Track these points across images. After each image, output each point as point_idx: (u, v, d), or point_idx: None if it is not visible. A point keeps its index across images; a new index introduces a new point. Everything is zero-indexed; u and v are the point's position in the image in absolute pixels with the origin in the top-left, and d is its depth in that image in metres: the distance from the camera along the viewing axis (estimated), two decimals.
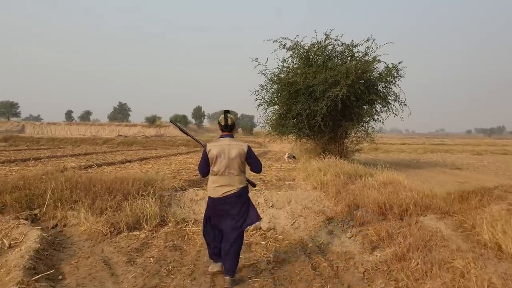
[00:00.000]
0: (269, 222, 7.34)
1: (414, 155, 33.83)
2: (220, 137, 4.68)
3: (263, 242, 6.63)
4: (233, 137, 4.70)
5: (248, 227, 5.40)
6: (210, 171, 4.66)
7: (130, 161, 19.45)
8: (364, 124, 15.63)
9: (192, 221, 7.39)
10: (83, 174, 9.11)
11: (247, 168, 4.95)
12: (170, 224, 7.17)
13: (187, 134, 5.77)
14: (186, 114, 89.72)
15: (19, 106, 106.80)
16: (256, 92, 16.12)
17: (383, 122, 15.45)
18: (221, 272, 4.71)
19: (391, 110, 15.14)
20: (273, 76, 15.34)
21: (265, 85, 15.80)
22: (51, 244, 6.05)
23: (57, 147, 34.64)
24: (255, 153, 4.86)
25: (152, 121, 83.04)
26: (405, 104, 15.09)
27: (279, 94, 15.26)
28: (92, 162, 17.79)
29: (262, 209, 8.02)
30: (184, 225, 7.25)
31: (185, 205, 8.38)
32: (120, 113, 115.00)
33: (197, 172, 8.06)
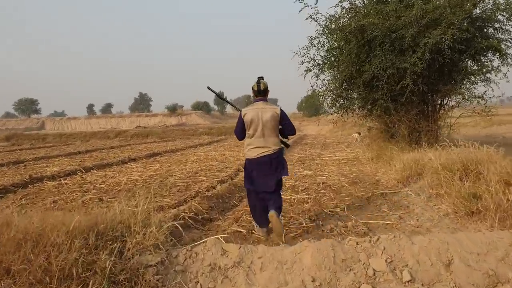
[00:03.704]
0: None
1: (480, 129, 28.00)
2: (254, 102, 4.79)
3: None
4: (266, 101, 4.80)
5: None
6: (246, 134, 4.78)
7: (134, 160, 14.72)
8: (471, 88, 10.21)
9: None
10: None
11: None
12: None
13: (224, 100, 6.03)
14: (208, 101, 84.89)
15: (39, 103, 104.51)
16: (301, 52, 10.91)
17: (497, 83, 10.00)
18: (266, 238, 4.80)
19: (511, 62, 9.66)
20: (329, 22, 10.06)
21: (317, 37, 10.51)
22: None
23: (64, 143, 30.40)
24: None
25: (173, 109, 78.78)
26: None
27: (341, 50, 10.02)
28: (85, 164, 13.11)
29: None
30: None
31: (198, 284, 3.45)
32: (141, 104, 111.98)
33: (224, 176, 9.13)
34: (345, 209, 5.97)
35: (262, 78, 4.78)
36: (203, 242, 3.92)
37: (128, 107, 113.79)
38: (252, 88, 4.78)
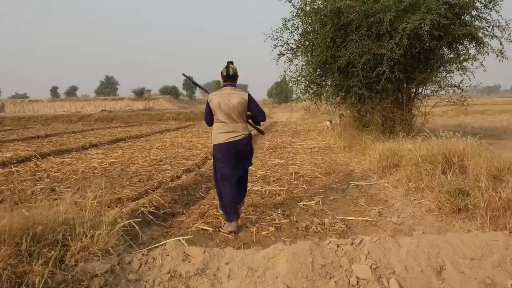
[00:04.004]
0: None
1: (447, 119, 28.29)
2: (222, 87, 4.62)
3: None
4: (235, 86, 4.62)
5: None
6: (214, 118, 4.63)
7: (96, 146, 13.89)
8: (447, 77, 9.93)
9: None
10: None
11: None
12: None
13: (197, 85, 5.75)
14: (176, 85, 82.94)
15: None
16: (274, 35, 10.37)
17: (473, 72, 9.74)
18: (235, 232, 4.45)
19: (488, 50, 9.38)
20: (304, 4, 9.53)
21: (291, 19, 9.96)
22: None
23: (23, 127, 28.86)
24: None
25: (140, 93, 76.70)
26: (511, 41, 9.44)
27: (316, 34, 9.53)
28: (42, 150, 12.25)
29: None
30: None
31: None
32: (108, 87, 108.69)
33: (190, 164, 8.61)
34: (320, 202, 5.55)
35: (231, 62, 4.62)
36: (162, 244, 3.39)
37: (94, 91, 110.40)
38: (221, 73, 4.60)
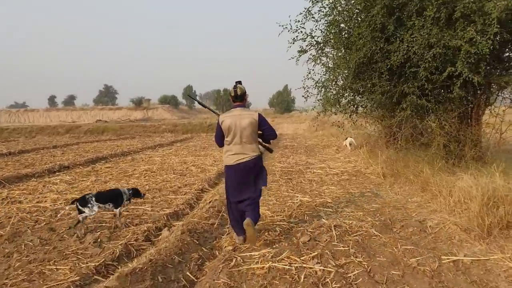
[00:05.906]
0: None
1: None
2: (232, 108, 4.62)
3: None
4: (244, 107, 4.64)
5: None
6: (225, 140, 4.62)
7: (67, 168, 11.20)
8: None
9: None
10: None
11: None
12: None
13: (205, 106, 5.70)
14: (176, 95, 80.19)
15: None
16: (293, 25, 7.69)
17: None
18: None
19: None
20: None
21: (318, 1, 7.22)
22: None
23: (4, 140, 26.21)
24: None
25: (138, 103, 74.25)
26: None
27: (350, 23, 6.85)
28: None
29: None
30: None
31: None
32: (106, 96, 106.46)
33: (180, 203, 6.84)
34: None
35: (239, 82, 4.59)
36: None
37: (92, 100, 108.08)
38: (229, 94, 4.61)
